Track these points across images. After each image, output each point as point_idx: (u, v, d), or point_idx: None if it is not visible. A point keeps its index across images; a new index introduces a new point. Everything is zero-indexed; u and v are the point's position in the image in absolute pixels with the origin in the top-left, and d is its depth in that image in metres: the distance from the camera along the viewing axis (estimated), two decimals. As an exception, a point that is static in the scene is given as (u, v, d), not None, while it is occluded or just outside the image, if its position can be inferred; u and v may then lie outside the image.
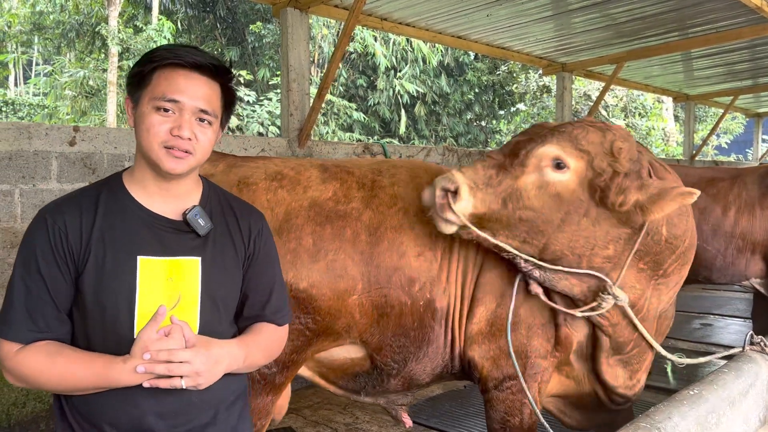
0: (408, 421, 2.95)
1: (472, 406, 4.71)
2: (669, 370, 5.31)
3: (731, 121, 18.75)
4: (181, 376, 1.42)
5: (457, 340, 2.53)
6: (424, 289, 2.46)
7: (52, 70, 18.87)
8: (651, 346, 2.52)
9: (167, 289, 1.54)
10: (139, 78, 1.55)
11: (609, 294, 2.29)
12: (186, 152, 1.52)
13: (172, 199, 1.61)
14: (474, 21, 6.62)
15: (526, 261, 2.30)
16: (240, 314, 1.71)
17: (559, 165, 2.22)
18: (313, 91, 6.78)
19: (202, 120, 1.55)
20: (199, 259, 1.59)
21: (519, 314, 2.44)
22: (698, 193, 2.13)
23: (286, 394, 2.67)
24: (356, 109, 16.90)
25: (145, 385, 1.42)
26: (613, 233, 2.26)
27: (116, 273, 1.50)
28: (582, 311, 2.36)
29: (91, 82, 16.80)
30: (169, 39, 15.30)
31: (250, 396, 2.00)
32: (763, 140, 15.66)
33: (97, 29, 16.17)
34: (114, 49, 15.35)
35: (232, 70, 1.65)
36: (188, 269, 1.57)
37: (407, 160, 2.91)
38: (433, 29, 6.85)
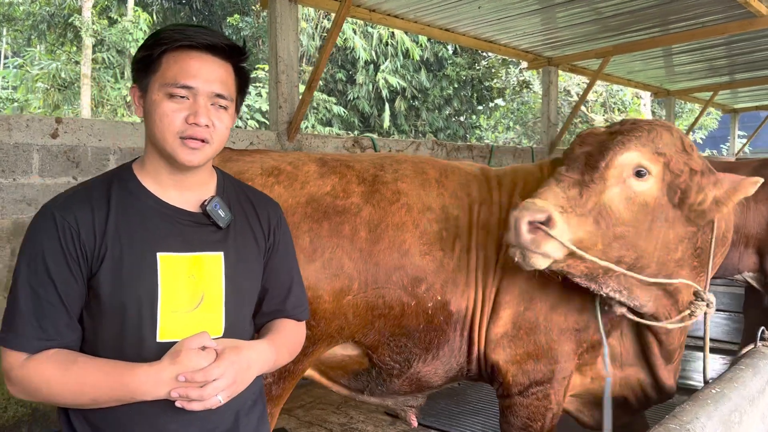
0: (414, 422, 2.86)
1: (468, 404, 4.65)
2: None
3: (706, 117, 18.98)
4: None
5: (476, 344, 2.43)
6: (433, 290, 2.35)
7: (23, 63, 18.35)
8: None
9: (189, 287, 1.42)
10: (147, 63, 1.42)
11: (702, 300, 2.21)
12: (203, 141, 1.41)
13: (188, 191, 1.49)
14: (461, 13, 6.55)
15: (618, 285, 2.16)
16: (258, 309, 1.61)
17: (640, 173, 2.10)
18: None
19: (218, 105, 1.43)
20: (221, 254, 1.47)
21: (551, 318, 2.35)
22: (762, 180, 2.13)
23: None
24: (336, 104, 16.74)
25: (178, 405, 1.29)
26: (681, 234, 2.19)
27: (135, 272, 1.37)
28: (672, 322, 2.27)
29: (63, 75, 16.36)
30: (145, 31, 14.98)
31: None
32: (739, 136, 15.87)
33: (69, 21, 15.74)
34: (88, 41, 14.98)
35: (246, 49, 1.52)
36: (211, 265, 1.45)
37: (412, 155, 2.80)
38: (422, 21, 6.76)
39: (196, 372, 1.27)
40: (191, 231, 1.45)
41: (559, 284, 2.32)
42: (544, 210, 1.98)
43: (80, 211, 1.38)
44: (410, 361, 2.49)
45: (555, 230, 1.98)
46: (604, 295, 2.20)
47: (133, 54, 1.48)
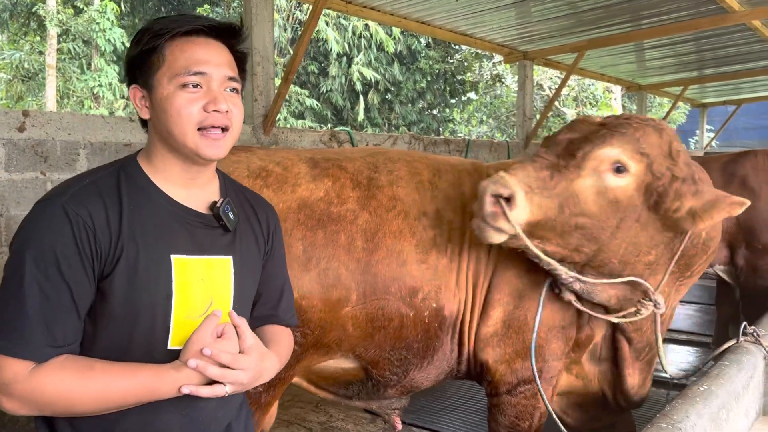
0: (398, 425, 2.83)
1: (447, 400, 4.63)
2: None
3: (675, 111, 19.30)
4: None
5: (466, 344, 2.40)
6: (429, 299, 2.30)
7: (-16, 53, 17.83)
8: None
9: (200, 292, 1.34)
10: (147, 58, 1.32)
11: (650, 300, 2.20)
12: (223, 130, 1.33)
13: (197, 189, 1.41)
14: (437, 6, 6.53)
15: (567, 274, 2.15)
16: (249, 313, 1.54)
17: (619, 169, 2.06)
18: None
19: (231, 89, 1.37)
20: (230, 258, 1.41)
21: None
22: (748, 203, 2.06)
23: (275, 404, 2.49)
24: (308, 96, 16.59)
25: (184, 390, 1.21)
26: (656, 238, 2.16)
27: (151, 275, 1.28)
28: (617, 317, 2.26)
29: (27, 65, 15.92)
30: (113, 21, 14.61)
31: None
32: (708, 130, 16.16)
33: (33, 10, 15.31)
34: (53, 31, 14.57)
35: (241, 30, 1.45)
36: (220, 269, 1.38)
37: (402, 151, 2.70)
38: (398, 14, 6.72)
39: (226, 353, 1.22)
40: (202, 233, 1.38)
41: (546, 281, 2.30)
42: (509, 187, 1.98)
43: (93, 207, 1.27)
44: (408, 372, 2.44)
45: (514, 209, 1.98)
46: (563, 283, 2.22)
47: (126, 54, 1.38)
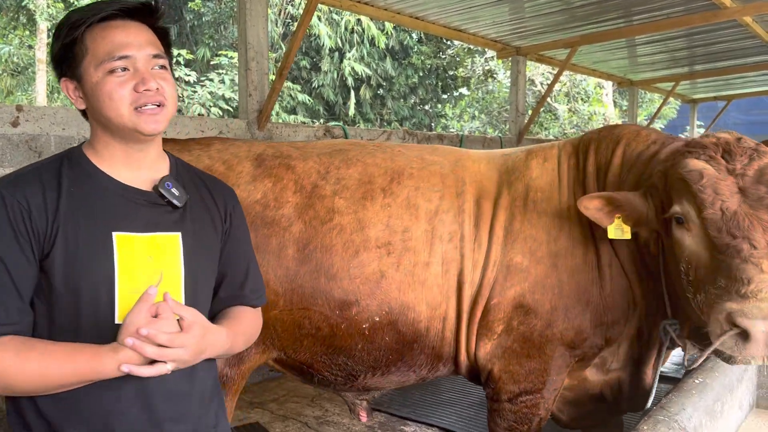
0: (364, 418, 2.83)
1: (443, 394, 4.65)
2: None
3: (665, 107, 19.40)
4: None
5: (463, 355, 2.41)
6: (368, 312, 2.27)
7: (-28, 47, 17.64)
8: None
9: (148, 269, 1.38)
10: (70, 50, 1.37)
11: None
12: (158, 105, 1.38)
13: (142, 170, 1.46)
14: (431, 2, 6.51)
15: None
16: (215, 294, 1.57)
17: None
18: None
19: (158, 66, 1.41)
20: (179, 234, 1.44)
21: (545, 334, 2.30)
22: None
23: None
24: (300, 91, 16.52)
25: (124, 369, 1.23)
26: None
27: (91, 253, 1.32)
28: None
29: (16, 59, 15.77)
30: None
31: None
32: (698, 126, 16.24)
33: (23, 3, 15.15)
34: (43, 25, 14.43)
35: (161, 9, 1.49)
36: (169, 246, 1.42)
37: (368, 149, 2.58)
38: (391, 9, 6.69)
39: (162, 333, 1.23)
40: (147, 211, 1.42)
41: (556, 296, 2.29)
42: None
43: (30, 190, 1.32)
44: (356, 377, 2.45)
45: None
46: None
47: (50, 49, 1.43)
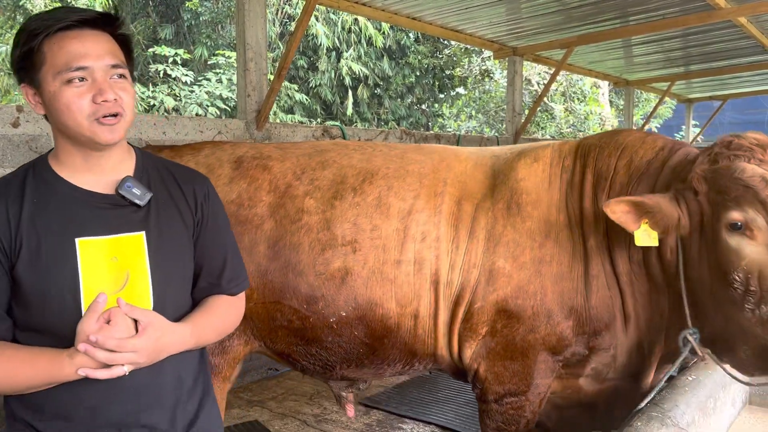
0: (351, 412, 2.88)
1: (440, 392, 4.69)
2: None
3: (661, 107, 19.46)
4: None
5: (443, 353, 2.44)
6: (334, 307, 2.34)
7: (-31, 46, 17.60)
8: None
9: (113, 270, 1.42)
10: (29, 58, 1.39)
11: None
12: (116, 116, 1.40)
13: (104, 174, 1.49)
14: (428, 2, 6.54)
15: None
16: (194, 285, 1.61)
17: None
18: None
19: (117, 75, 1.43)
20: (142, 233, 1.48)
21: (527, 338, 2.31)
22: None
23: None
24: (298, 91, 16.54)
25: (81, 373, 1.30)
26: None
27: (55, 260, 1.38)
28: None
29: (13, 59, 15.75)
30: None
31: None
32: (694, 125, 16.30)
33: (21, 3, 15.15)
34: (40, 25, 14.43)
35: (119, 15, 1.52)
36: (132, 246, 1.46)
37: (349, 148, 2.64)
38: (389, 9, 6.72)
39: (111, 339, 1.29)
40: (111, 214, 1.46)
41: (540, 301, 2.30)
42: None
43: None
44: (332, 367, 2.52)
45: None
46: None
47: (11, 54, 1.46)
